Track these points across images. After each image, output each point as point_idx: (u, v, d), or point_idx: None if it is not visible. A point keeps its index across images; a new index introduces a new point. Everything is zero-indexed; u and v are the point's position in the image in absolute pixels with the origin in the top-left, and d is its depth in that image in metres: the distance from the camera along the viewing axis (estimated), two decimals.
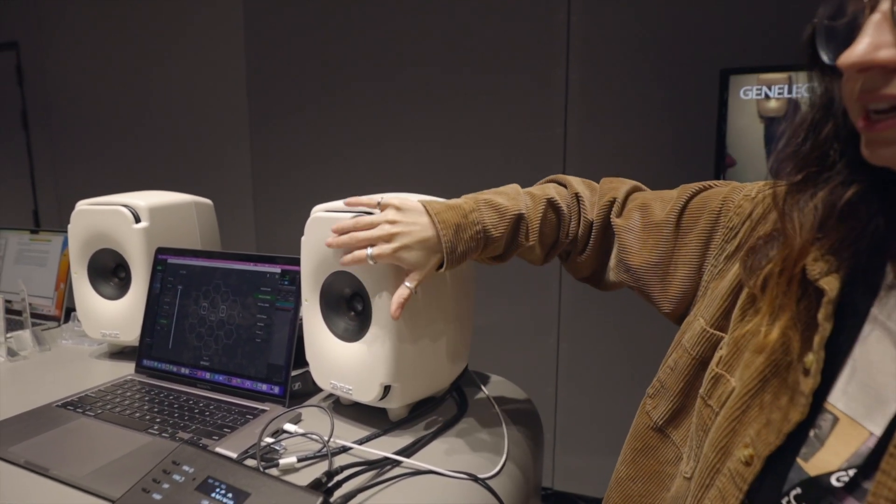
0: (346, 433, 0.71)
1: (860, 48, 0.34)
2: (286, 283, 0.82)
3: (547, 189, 0.68)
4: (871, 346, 0.38)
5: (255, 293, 0.84)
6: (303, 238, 0.74)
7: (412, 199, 0.66)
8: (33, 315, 1.21)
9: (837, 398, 0.39)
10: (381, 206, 0.66)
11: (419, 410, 0.76)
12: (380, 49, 2.01)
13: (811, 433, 0.40)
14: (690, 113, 1.67)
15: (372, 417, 0.74)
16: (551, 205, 0.67)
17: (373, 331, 0.69)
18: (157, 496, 0.50)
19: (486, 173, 1.87)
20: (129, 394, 0.83)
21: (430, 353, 0.74)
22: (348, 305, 0.75)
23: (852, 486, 0.36)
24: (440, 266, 0.64)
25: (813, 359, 0.39)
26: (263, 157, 2.30)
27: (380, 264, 0.65)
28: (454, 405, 0.80)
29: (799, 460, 0.40)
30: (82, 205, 1.00)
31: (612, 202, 0.66)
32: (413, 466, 0.63)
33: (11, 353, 1.02)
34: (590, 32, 1.74)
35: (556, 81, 1.80)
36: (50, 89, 2.83)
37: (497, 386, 0.89)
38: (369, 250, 0.63)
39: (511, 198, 0.66)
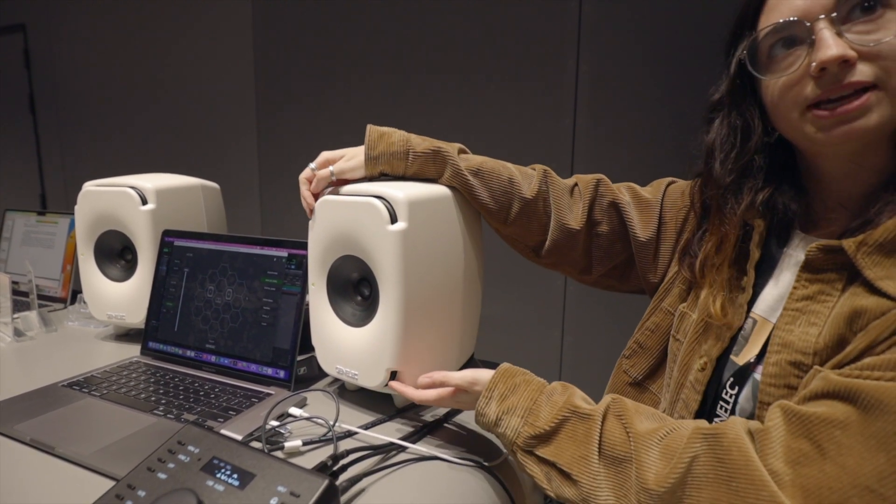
0: (352, 418, 0.71)
1: (833, 48, 0.45)
2: (293, 267, 0.81)
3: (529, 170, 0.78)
4: (783, 270, 0.55)
5: (262, 277, 0.83)
6: (310, 222, 0.74)
7: None
8: (40, 297, 1.21)
9: (758, 307, 0.55)
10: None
11: None
12: (388, 39, 1.99)
13: (740, 335, 0.55)
14: (702, 105, 1.65)
15: (377, 403, 0.74)
16: (497, 162, 0.75)
17: (380, 316, 0.69)
18: (162, 475, 0.50)
19: None
20: (134, 375, 0.83)
21: (436, 340, 0.73)
22: (355, 290, 0.75)
23: (760, 358, 0.52)
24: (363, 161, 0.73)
25: (747, 280, 0.56)
26: (270, 143, 2.29)
27: (389, 247, 0.65)
28: None
29: (732, 357, 0.56)
30: (89, 186, 0.99)
31: (598, 180, 0.74)
32: (418, 452, 0.63)
33: (18, 334, 1.02)
34: (601, 22, 1.72)
35: (567, 72, 1.77)
36: (57, 72, 2.83)
37: None
38: (311, 164, 0.74)
39: (446, 143, 0.75)
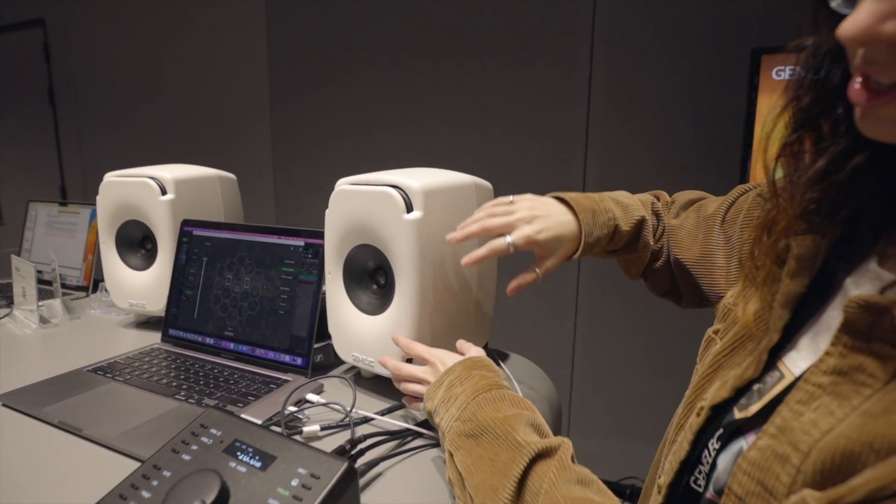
0: (367, 405, 0.72)
1: (860, 19, 0.29)
2: (309, 256, 0.82)
3: (646, 198, 0.73)
4: (835, 312, 0.37)
5: (279, 266, 0.85)
6: (327, 211, 0.75)
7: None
8: (62, 285, 1.24)
9: (790, 357, 0.39)
10: (514, 201, 0.68)
11: None
12: (401, 27, 1.98)
13: (755, 388, 0.40)
14: (718, 95, 1.63)
15: (392, 390, 0.75)
16: (655, 213, 0.71)
17: (395, 304, 0.70)
18: (186, 457, 0.51)
19: (506, 153, 1.85)
20: (155, 361, 0.85)
21: (451, 329, 0.74)
22: (371, 279, 0.75)
23: (765, 416, 0.37)
24: (572, 255, 0.66)
25: (775, 318, 0.39)
26: (284, 133, 2.30)
27: (405, 236, 0.65)
28: None
29: (735, 409, 0.40)
30: (110, 176, 1.01)
31: (671, 203, 0.71)
32: (434, 438, 0.63)
33: (43, 321, 1.05)
34: (616, 10, 1.70)
35: (581, 60, 1.76)
36: (76, 66, 2.87)
37: (517, 364, 0.89)
38: (509, 238, 0.63)
39: (629, 201, 0.70)
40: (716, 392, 0.42)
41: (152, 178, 0.97)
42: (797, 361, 0.38)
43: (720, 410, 0.41)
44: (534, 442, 0.46)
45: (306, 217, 2.26)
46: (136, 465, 0.53)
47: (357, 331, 0.74)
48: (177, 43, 2.50)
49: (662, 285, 0.73)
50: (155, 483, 0.48)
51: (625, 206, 0.68)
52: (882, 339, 0.31)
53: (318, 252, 0.81)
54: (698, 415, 0.43)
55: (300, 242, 0.84)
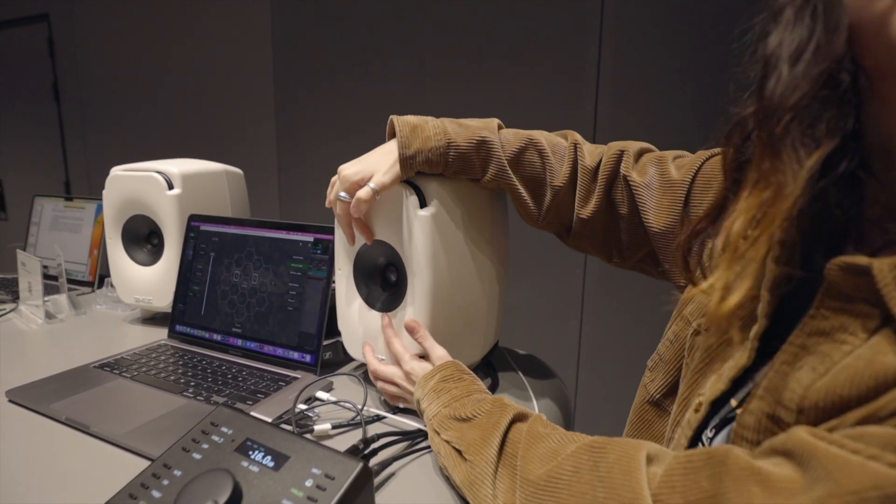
0: (377, 403, 0.71)
1: None
2: (319, 251, 0.81)
3: (535, 132, 0.67)
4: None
5: (288, 261, 0.83)
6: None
7: None
8: (68, 280, 1.23)
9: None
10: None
11: None
12: (407, 23, 1.97)
13: (749, 378, 0.40)
14: (726, 93, 1.60)
15: None
16: (533, 144, 0.66)
17: (407, 301, 0.69)
18: (197, 456, 0.50)
19: None
20: (163, 358, 0.84)
21: (463, 326, 0.72)
22: (382, 275, 0.74)
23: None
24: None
25: (761, 306, 0.39)
26: (288, 128, 2.29)
27: (418, 232, 0.64)
28: (486, 380, 0.79)
29: (732, 401, 0.40)
30: (117, 170, 1.00)
31: (622, 153, 0.64)
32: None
33: (49, 316, 1.04)
34: (623, 9, 1.68)
35: (589, 57, 1.74)
36: (80, 61, 2.86)
37: (527, 363, 0.88)
38: (370, 184, 0.64)
39: (485, 125, 0.66)
40: (713, 386, 0.41)
41: (159, 172, 0.96)
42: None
43: (717, 404, 0.42)
44: (515, 405, 0.52)
45: (310, 213, 2.25)
46: (146, 463, 0.52)
47: (367, 328, 0.73)
48: (181, 38, 2.49)
49: (591, 238, 0.67)
50: (166, 482, 0.47)
51: (468, 125, 0.66)
52: (861, 299, 0.32)
53: (328, 248, 0.80)
54: (696, 410, 0.43)
55: (309, 238, 0.82)
